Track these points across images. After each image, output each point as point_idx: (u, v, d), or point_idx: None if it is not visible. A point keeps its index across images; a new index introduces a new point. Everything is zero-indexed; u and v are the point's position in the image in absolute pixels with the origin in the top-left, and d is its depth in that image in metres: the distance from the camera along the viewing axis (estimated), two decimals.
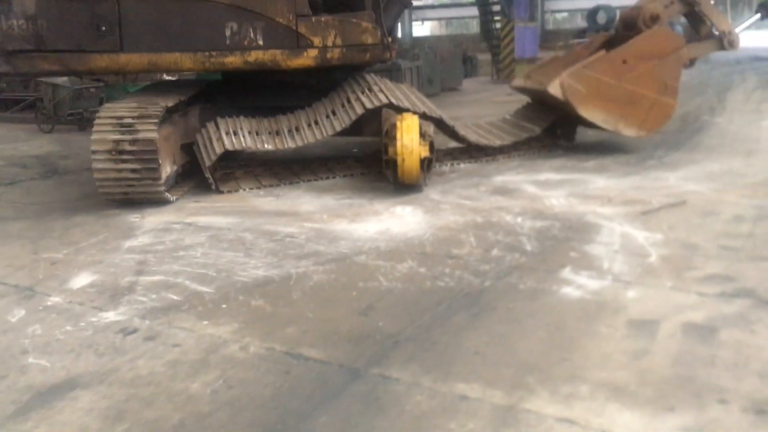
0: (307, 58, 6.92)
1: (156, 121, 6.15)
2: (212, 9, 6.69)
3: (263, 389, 2.99)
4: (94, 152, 6.06)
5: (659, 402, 2.75)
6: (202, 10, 6.69)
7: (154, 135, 6.07)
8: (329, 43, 6.93)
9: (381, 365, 3.16)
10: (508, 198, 6.13)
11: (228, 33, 6.73)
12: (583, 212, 5.53)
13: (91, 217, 6.07)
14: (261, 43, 6.80)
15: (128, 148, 6.03)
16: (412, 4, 7.85)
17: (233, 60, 6.81)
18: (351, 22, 7.04)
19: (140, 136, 6.05)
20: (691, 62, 8.33)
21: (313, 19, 6.89)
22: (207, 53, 6.78)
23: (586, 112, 7.64)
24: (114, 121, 6.16)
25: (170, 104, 6.59)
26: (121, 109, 6.34)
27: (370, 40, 7.12)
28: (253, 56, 6.82)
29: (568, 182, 6.61)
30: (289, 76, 7.49)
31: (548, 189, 6.37)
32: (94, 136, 6.10)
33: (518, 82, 9.02)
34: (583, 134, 8.67)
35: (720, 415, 2.65)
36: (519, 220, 5.41)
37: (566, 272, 4.24)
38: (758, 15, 9.10)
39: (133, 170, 6.07)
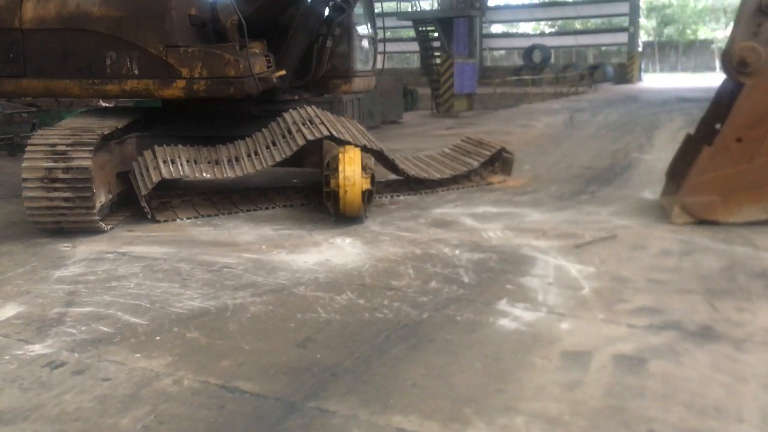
0: (176, 89, 6.94)
1: (91, 148, 6.02)
2: (95, 38, 6.91)
3: (196, 425, 2.93)
4: (25, 180, 5.89)
5: None
6: (86, 39, 6.92)
7: (88, 163, 5.93)
8: (196, 75, 6.89)
9: (318, 398, 3.13)
10: (447, 230, 6.20)
11: (108, 62, 6.94)
12: (519, 245, 5.65)
13: (20, 246, 5.87)
14: (136, 72, 6.95)
15: (61, 176, 5.89)
16: (327, 31, 7.88)
17: (113, 88, 7.04)
18: (215, 54, 6.89)
19: (74, 164, 5.91)
20: None
21: (181, 50, 6.87)
22: (91, 81, 7.02)
23: (735, 216, 6.12)
24: (47, 148, 6.02)
25: (106, 132, 6.47)
26: (55, 135, 6.20)
27: (232, 73, 6.89)
28: (129, 85, 6.99)
29: (505, 215, 6.75)
30: (229, 105, 7.46)
31: (485, 222, 6.48)
32: (25, 164, 5.94)
33: (679, 218, 6.25)
34: (518, 169, 8.89)
35: None
36: (457, 252, 5.48)
37: (502, 304, 4.31)
38: None
39: (66, 199, 5.92)
